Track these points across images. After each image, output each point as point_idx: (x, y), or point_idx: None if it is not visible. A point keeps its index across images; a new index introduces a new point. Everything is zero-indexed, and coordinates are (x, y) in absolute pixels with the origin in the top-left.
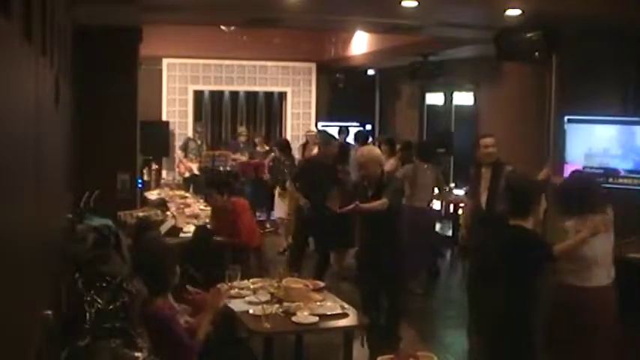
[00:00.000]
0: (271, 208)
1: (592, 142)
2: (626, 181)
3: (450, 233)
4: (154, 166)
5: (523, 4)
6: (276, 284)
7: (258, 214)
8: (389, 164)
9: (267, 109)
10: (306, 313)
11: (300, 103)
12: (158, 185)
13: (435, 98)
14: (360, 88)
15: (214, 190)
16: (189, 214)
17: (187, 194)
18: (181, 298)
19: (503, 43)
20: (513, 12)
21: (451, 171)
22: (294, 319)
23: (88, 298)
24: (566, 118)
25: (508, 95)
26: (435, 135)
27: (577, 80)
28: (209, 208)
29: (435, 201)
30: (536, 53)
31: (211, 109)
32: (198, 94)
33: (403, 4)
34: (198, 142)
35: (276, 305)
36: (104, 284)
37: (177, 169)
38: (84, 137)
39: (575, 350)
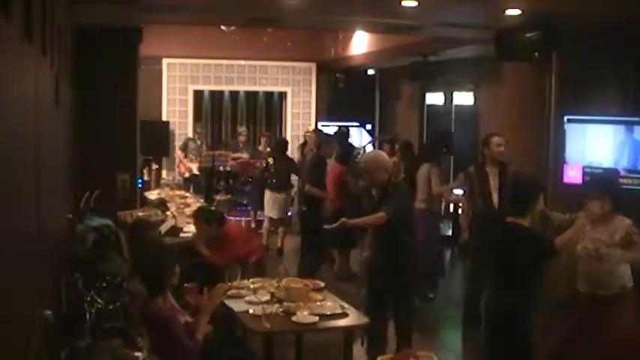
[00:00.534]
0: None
1: (592, 142)
2: (625, 181)
3: (449, 233)
4: (154, 166)
5: (523, 4)
6: (276, 284)
7: (259, 213)
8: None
9: (267, 109)
10: (306, 313)
11: (300, 103)
12: (158, 185)
13: (435, 98)
14: (360, 88)
15: (202, 222)
16: (189, 214)
17: (187, 194)
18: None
19: (503, 43)
20: (513, 12)
21: (451, 171)
22: (294, 318)
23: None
24: (565, 117)
25: (508, 95)
26: (435, 135)
27: (577, 80)
28: None
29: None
30: (536, 53)
31: (211, 109)
32: (198, 94)
33: (403, 4)
34: (198, 142)
35: (276, 305)
36: (104, 284)
37: (177, 170)
38: (84, 137)
39: None
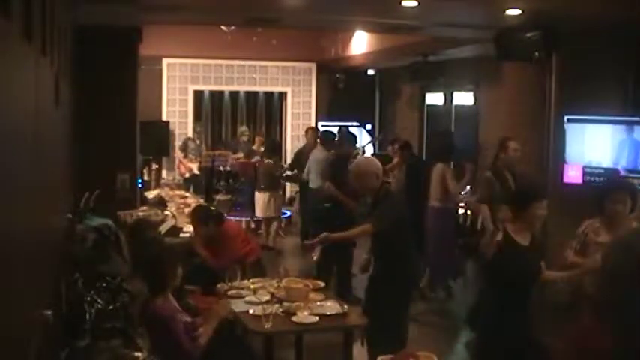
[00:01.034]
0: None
1: (592, 142)
2: None
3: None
4: (154, 166)
5: (523, 3)
6: (276, 284)
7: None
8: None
9: (267, 109)
10: (306, 313)
11: (300, 103)
12: (158, 185)
13: (435, 98)
14: (360, 88)
15: (199, 223)
16: (189, 214)
17: (187, 194)
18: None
19: (503, 43)
20: (513, 12)
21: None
22: (294, 318)
23: (88, 298)
24: (565, 117)
25: (508, 95)
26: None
27: (577, 80)
28: None
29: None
30: (536, 53)
31: (211, 109)
32: (198, 94)
33: (403, 4)
34: (197, 142)
35: (276, 305)
36: (104, 284)
37: (177, 170)
38: (84, 137)
39: None
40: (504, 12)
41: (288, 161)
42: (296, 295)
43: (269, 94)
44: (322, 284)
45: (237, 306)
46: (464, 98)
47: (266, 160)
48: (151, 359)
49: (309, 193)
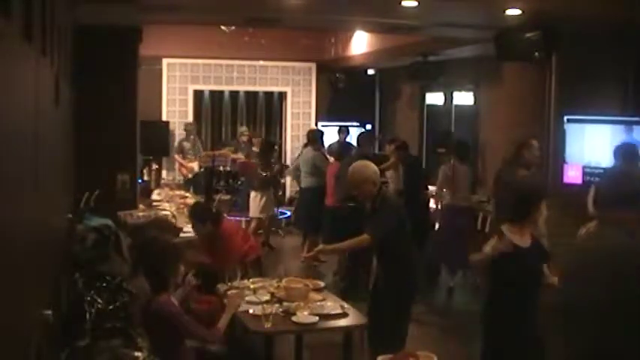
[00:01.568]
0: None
1: (591, 142)
2: None
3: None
4: (154, 166)
5: (523, 4)
6: (276, 284)
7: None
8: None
9: (267, 109)
10: (306, 313)
11: (300, 103)
12: (158, 185)
13: (435, 98)
14: (360, 88)
15: (196, 221)
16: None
17: (187, 194)
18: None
19: (503, 43)
20: (513, 12)
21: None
22: (294, 318)
23: (88, 298)
24: (565, 117)
25: (508, 95)
26: (435, 135)
27: (576, 80)
28: None
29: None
30: (536, 53)
31: (211, 109)
32: (198, 94)
33: (403, 4)
34: (192, 137)
35: (276, 305)
36: (104, 284)
37: (177, 171)
38: (84, 137)
39: None
40: (504, 12)
41: (289, 161)
42: (296, 295)
43: (269, 94)
44: (322, 284)
45: None
46: (464, 98)
47: (253, 160)
48: (151, 359)
49: (300, 192)
